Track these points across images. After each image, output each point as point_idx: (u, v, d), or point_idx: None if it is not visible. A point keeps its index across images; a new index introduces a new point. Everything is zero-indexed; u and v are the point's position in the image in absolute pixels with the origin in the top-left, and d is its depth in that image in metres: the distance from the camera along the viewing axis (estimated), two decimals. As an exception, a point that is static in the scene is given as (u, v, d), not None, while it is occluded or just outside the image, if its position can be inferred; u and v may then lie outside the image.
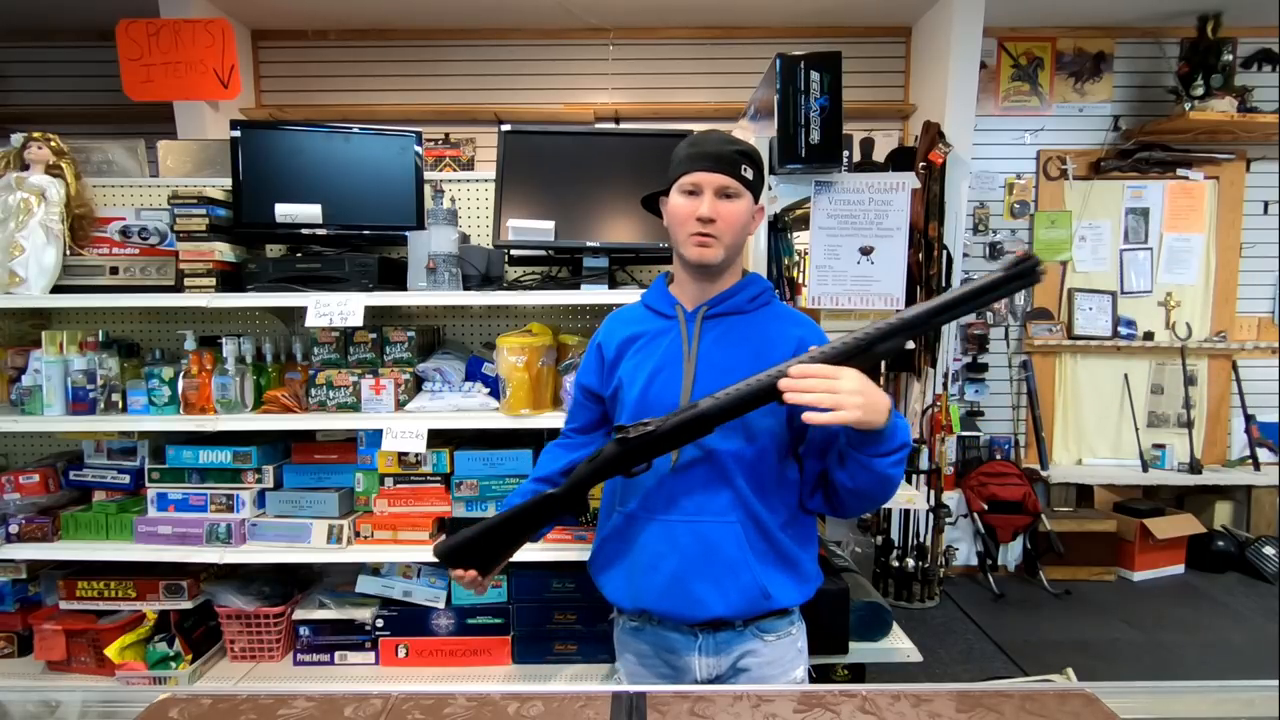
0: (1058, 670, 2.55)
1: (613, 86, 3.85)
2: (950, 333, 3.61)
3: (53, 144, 1.82)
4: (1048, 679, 2.49)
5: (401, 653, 1.88)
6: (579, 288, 1.81)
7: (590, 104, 3.77)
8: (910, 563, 3.38)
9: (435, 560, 1.22)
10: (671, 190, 1.18)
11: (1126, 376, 3.95)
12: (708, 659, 1.19)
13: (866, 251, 1.96)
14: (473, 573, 1.20)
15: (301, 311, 1.71)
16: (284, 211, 1.82)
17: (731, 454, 1.14)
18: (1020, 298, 3.94)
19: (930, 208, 3.26)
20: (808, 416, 0.98)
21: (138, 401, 1.80)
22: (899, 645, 1.80)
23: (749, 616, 1.16)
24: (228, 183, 1.88)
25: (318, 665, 1.88)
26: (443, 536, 1.26)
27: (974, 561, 3.78)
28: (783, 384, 1.00)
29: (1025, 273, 0.97)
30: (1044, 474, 3.84)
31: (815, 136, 1.80)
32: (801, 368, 1.00)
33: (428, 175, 1.97)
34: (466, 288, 1.84)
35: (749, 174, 1.15)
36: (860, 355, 1.01)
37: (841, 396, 0.97)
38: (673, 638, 1.20)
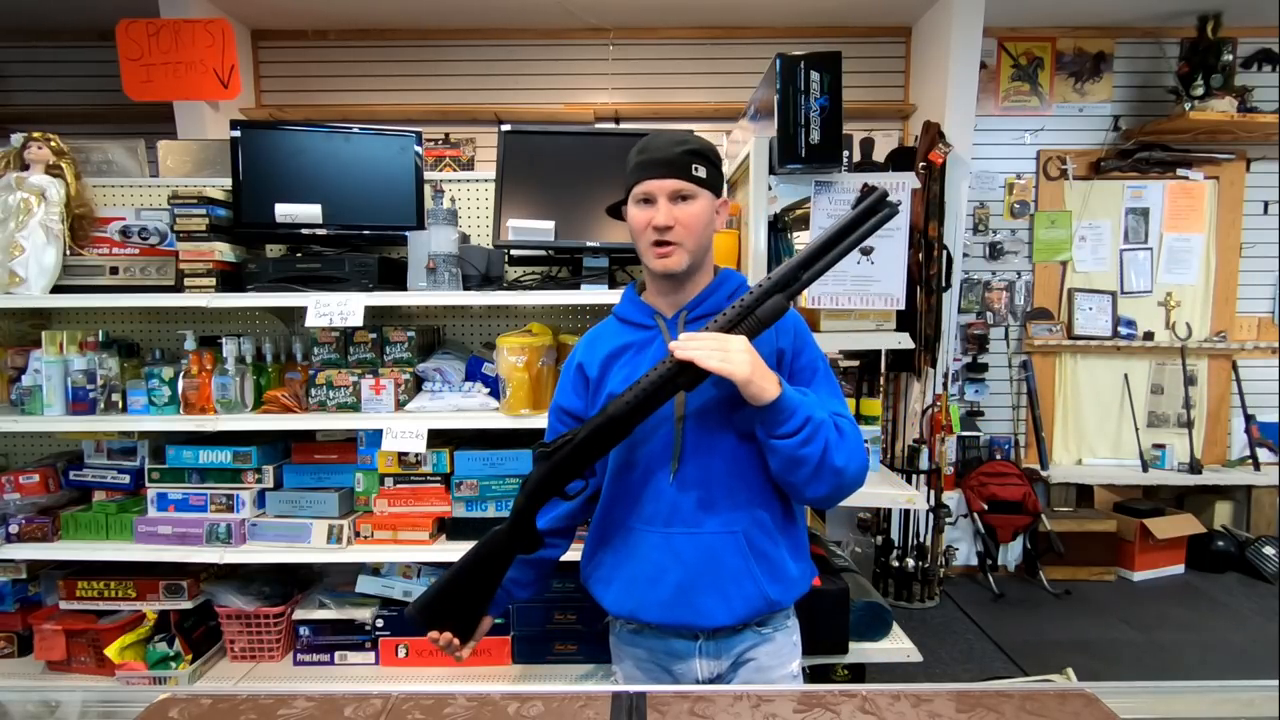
0: (1058, 670, 2.55)
1: (613, 86, 3.85)
2: (950, 333, 3.61)
3: (53, 144, 1.82)
4: (1048, 679, 2.49)
5: (401, 653, 1.88)
6: (579, 288, 1.81)
7: (590, 104, 3.77)
8: (910, 563, 3.38)
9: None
10: (628, 200, 1.15)
11: (1126, 376, 3.95)
12: (708, 661, 1.18)
13: (866, 252, 1.96)
14: (447, 635, 1.11)
15: (301, 311, 1.71)
16: (284, 211, 1.82)
17: (728, 459, 1.13)
18: (1020, 298, 3.95)
19: (930, 208, 3.26)
20: (699, 360, 0.99)
21: (138, 401, 1.80)
22: (899, 645, 1.80)
23: (749, 620, 1.16)
24: (228, 183, 1.88)
25: (318, 665, 1.89)
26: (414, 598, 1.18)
27: (974, 561, 3.77)
28: (671, 345, 1.01)
29: (874, 205, 0.98)
30: (1044, 474, 3.84)
31: (815, 136, 1.80)
32: (689, 334, 1.03)
33: (428, 175, 1.97)
34: (466, 288, 1.84)
35: (702, 172, 1.11)
36: (745, 320, 1.03)
37: (731, 354, 0.99)
38: (674, 643, 1.19)
